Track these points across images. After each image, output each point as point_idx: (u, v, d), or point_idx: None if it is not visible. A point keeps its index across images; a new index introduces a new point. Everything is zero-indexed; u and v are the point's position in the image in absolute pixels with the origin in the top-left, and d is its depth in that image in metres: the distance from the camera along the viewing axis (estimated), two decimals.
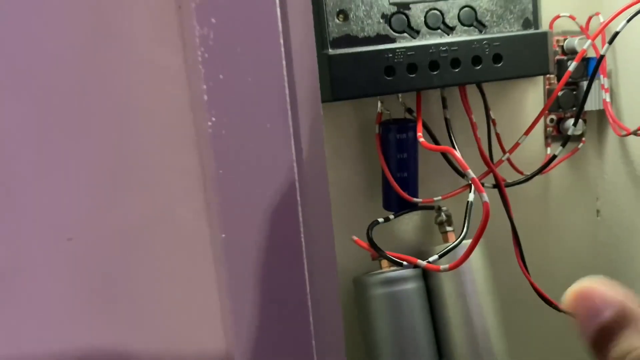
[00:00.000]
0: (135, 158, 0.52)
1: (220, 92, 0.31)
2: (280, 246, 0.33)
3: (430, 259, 0.43)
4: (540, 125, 0.57)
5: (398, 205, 0.51)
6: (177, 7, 0.48)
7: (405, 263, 0.44)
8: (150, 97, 0.51)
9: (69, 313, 0.51)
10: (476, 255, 0.52)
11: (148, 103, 0.51)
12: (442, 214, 0.54)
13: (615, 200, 0.59)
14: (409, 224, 0.56)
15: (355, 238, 0.46)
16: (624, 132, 0.52)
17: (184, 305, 0.55)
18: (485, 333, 0.50)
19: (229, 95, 0.31)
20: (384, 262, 0.52)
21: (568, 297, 0.22)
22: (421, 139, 0.45)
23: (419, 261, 0.43)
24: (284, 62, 0.31)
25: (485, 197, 0.39)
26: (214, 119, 0.31)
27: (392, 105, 0.51)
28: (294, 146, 0.32)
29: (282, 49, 0.31)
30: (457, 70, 0.47)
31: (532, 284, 0.50)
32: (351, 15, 0.46)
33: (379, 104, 0.51)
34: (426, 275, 0.52)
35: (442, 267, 0.42)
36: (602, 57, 0.50)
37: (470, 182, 0.45)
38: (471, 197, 0.47)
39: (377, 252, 0.46)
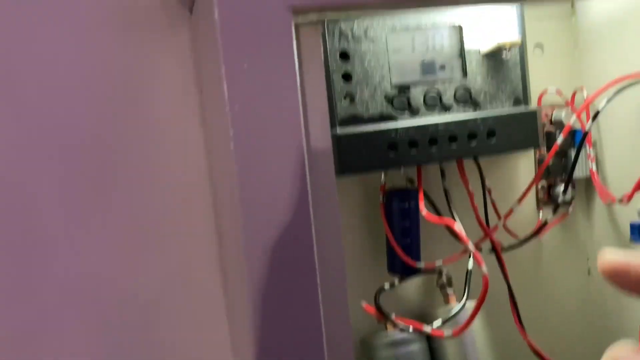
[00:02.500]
0: (155, 223, 0.55)
1: (248, 167, 0.34)
2: (298, 315, 0.36)
3: (435, 325, 0.47)
4: (532, 192, 0.61)
5: (402, 270, 0.55)
6: (199, 92, 0.53)
7: (410, 328, 0.47)
8: (171, 169, 0.55)
9: None
10: (477, 318, 0.55)
11: (168, 172, 0.55)
12: (443, 276, 0.57)
13: None
14: (412, 286, 0.59)
15: (365, 304, 0.49)
16: (610, 200, 0.56)
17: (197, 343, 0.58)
18: None
19: (254, 173, 0.35)
20: (389, 326, 0.55)
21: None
22: (424, 212, 0.49)
23: (425, 327, 0.46)
24: (304, 142, 0.35)
25: (485, 270, 0.42)
26: (240, 188, 0.34)
27: (394, 176, 0.55)
28: (312, 218, 0.36)
29: (302, 132, 0.35)
30: (454, 145, 0.52)
31: (529, 344, 0.53)
32: (357, 98, 0.51)
33: (383, 175, 0.55)
34: (429, 337, 0.55)
35: (445, 333, 0.45)
36: (586, 133, 0.54)
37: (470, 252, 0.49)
38: (470, 264, 0.50)
39: (385, 318, 0.49)
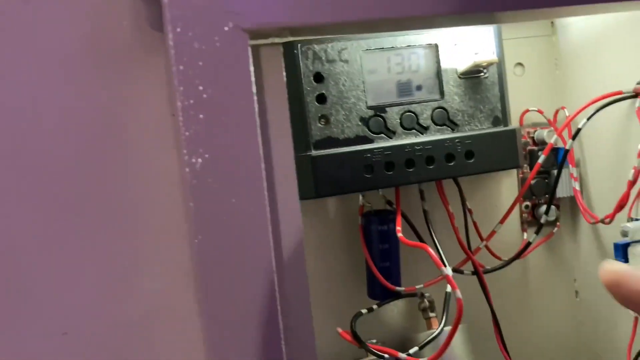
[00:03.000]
0: (133, 252, 0.54)
1: (204, 208, 0.33)
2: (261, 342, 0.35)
3: (411, 351, 0.45)
4: (515, 212, 0.60)
5: (382, 294, 0.54)
6: (171, 115, 0.52)
7: (386, 356, 0.45)
8: (150, 197, 0.54)
9: None
10: (458, 341, 0.53)
11: (148, 204, 0.54)
12: (425, 300, 0.56)
13: (592, 281, 0.61)
14: (393, 310, 0.58)
15: (340, 330, 0.48)
16: (594, 220, 0.55)
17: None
18: None
19: (213, 211, 0.34)
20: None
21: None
22: (399, 234, 0.48)
23: (400, 355, 0.45)
24: (262, 167, 0.35)
25: (459, 294, 0.41)
26: (200, 236, 0.33)
27: (373, 198, 0.54)
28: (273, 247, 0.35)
29: (262, 156, 0.34)
30: (431, 166, 0.51)
31: None
32: (332, 119, 0.50)
33: (361, 197, 0.54)
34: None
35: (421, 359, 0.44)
36: (567, 151, 0.54)
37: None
38: (449, 288, 0.49)
39: (360, 345, 0.48)
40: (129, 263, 0.54)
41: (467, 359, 0.54)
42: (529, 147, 0.60)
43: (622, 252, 0.53)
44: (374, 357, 0.52)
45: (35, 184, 0.51)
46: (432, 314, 0.55)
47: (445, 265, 0.45)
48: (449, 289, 0.49)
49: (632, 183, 0.49)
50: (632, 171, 0.49)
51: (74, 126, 0.52)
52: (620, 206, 0.50)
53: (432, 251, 0.43)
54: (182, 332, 0.56)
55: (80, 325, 0.53)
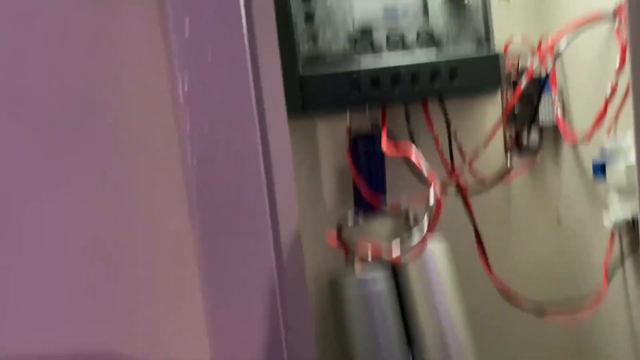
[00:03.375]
0: (128, 172, 0.56)
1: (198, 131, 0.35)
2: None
3: (394, 253, 0.47)
4: (500, 140, 0.62)
5: (368, 206, 0.55)
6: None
7: (369, 258, 0.48)
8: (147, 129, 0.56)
9: (63, 316, 0.54)
10: (441, 256, 0.55)
11: (142, 126, 0.56)
12: (411, 219, 0.58)
13: (573, 208, 0.63)
14: (380, 232, 0.60)
15: (328, 236, 0.50)
16: (574, 142, 0.57)
17: (171, 316, 0.58)
18: (451, 326, 0.54)
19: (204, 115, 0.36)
20: (357, 267, 0.56)
21: None
22: (384, 147, 0.50)
23: (383, 255, 0.47)
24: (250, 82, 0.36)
25: (437, 191, 0.43)
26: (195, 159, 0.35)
27: (360, 122, 0.56)
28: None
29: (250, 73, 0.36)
30: (416, 85, 0.53)
31: (494, 280, 0.54)
32: (319, 39, 0.52)
33: (348, 118, 0.56)
34: (397, 277, 0.56)
35: (403, 258, 0.46)
36: (547, 75, 0.55)
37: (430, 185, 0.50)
38: (432, 199, 0.51)
39: (345, 251, 0.50)
40: (123, 177, 0.56)
41: (449, 273, 0.56)
42: (513, 78, 0.62)
43: (600, 170, 0.55)
44: (359, 273, 0.54)
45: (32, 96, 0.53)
46: (414, 229, 0.57)
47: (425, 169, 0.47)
48: (432, 200, 0.51)
49: (609, 98, 0.51)
50: (609, 87, 0.51)
51: (65, 47, 0.54)
52: (598, 122, 0.52)
53: (413, 157, 0.45)
54: (172, 251, 0.58)
55: (79, 237, 0.55)
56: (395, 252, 0.47)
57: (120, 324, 0.57)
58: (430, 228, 0.43)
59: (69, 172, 0.50)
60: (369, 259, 0.48)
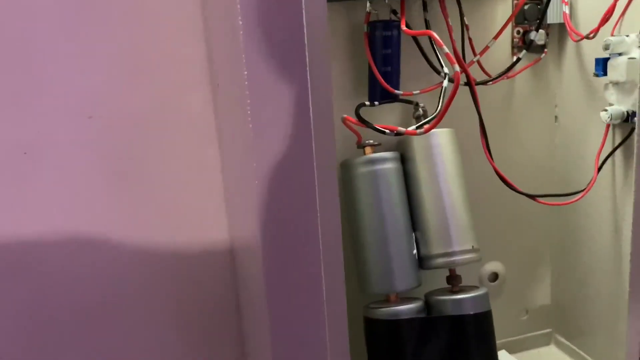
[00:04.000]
0: (148, 47, 0.58)
1: None
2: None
3: (410, 128, 0.51)
4: (508, 37, 0.65)
5: (381, 97, 0.59)
6: None
7: (387, 131, 0.51)
8: None
9: (88, 186, 0.57)
10: (447, 142, 0.59)
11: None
12: (420, 109, 0.61)
13: (571, 107, 0.67)
14: (390, 118, 0.63)
15: (345, 115, 0.53)
16: (579, 37, 0.60)
17: (191, 189, 0.62)
18: (453, 208, 0.58)
19: None
20: (367, 149, 0.59)
21: None
22: (404, 27, 0.52)
23: (399, 128, 0.51)
24: None
25: (457, 67, 0.46)
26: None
27: (379, 8, 0.58)
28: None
29: None
30: None
31: (495, 169, 0.58)
32: None
33: (368, 5, 0.58)
34: (404, 160, 0.60)
35: (418, 131, 0.49)
36: None
37: (444, 75, 0.53)
38: (445, 83, 0.54)
39: (365, 124, 0.53)
40: (141, 58, 0.58)
41: (454, 158, 0.59)
42: None
43: (602, 66, 0.58)
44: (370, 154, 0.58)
45: None
46: (424, 121, 0.61)
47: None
48: (445, 84, 0.54)
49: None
50: None
51: None
52: (605, 19, 0.55)
53: (436, 35, 0.47)
54: (193, 127, 0.61)
55: (102, 110, 0.57)
56: (410, 128, 0.51)
57: (141, 197, 0.61)
58: (447, 105, 0.46)
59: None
60: (379, 143, 0.51)
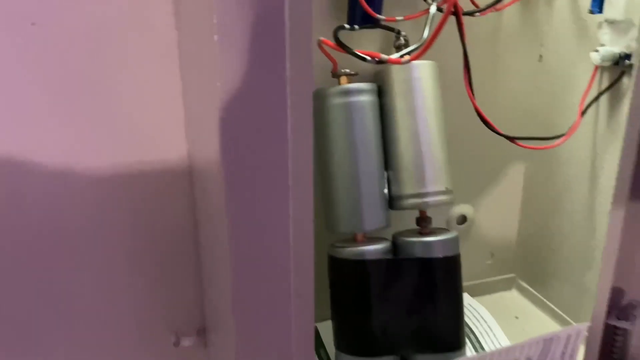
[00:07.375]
0: None
1: None
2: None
3: (393, 56, 0.47)
4: None
5: (362, 20, 0.54)
6: None
7: (368, 58, 0.47)
8: None
9: (30, 106, 0.52)
10: (428, 75, 0.55)
11: None
12: (401, 38, 0.57)
13: (558, 46, 0.63)
14: (370, 45, 0.58)
15: (322, 38, 0.49)
16: None
17: (149, 107, 0.57)
18: (429, 147, 0.55)
19: None
20: (343, 79, 0.55)
21: None
22: None
23: (382, 55, 0.46)
24: None
25: None
26: None
27: None
28: None
29: None
30: None
31: (476, 109, 0.55)
32: None
33: None
34: (381, 93, 0.56)
35: (402, 59, 0.45)
36: None
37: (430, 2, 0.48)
38: (433, 9, 0.50)
39: (344, 49, 0.48)
40: None
41: (434, 92, 0.56)
42: None
43: (599, 1, 0.54)
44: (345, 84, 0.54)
45: None
46: (405, 51, 0.56)
47: None
48: (432, 10, 0.50)
49: None
50: None
51: None
52: None
53: None
54: (151, 41, 0.55)
55: (47, 16, 0.51)
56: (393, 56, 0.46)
57: (94, 113, 0.56)
58: (432, 37, 0.42)
59: None
60: (356, 72, 0.46)
